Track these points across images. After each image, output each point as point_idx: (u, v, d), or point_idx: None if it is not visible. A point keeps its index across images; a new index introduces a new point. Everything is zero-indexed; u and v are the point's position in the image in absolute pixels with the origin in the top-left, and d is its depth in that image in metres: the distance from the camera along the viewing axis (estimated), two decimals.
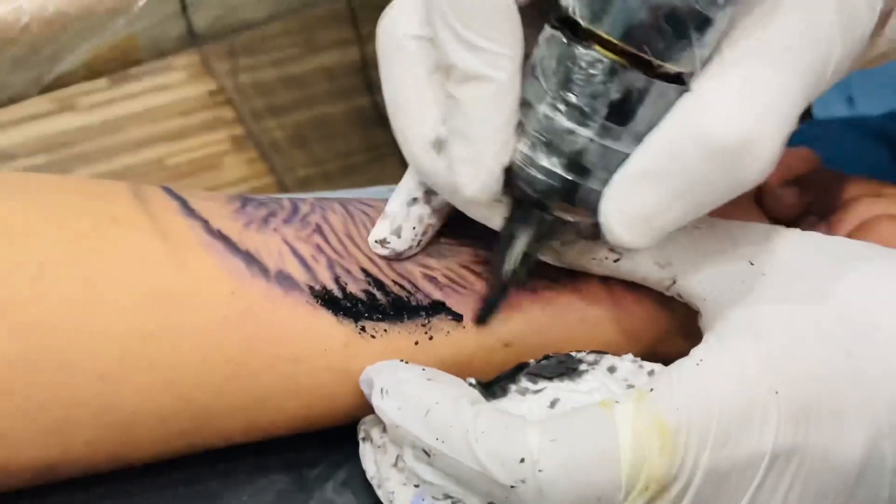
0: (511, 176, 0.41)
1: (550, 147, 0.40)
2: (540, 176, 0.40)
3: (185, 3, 0.75)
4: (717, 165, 0.38)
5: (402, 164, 0.44)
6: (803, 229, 0.51)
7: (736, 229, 0.45)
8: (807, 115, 1.17)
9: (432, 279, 0.45)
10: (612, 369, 0.43)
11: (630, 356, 0.44)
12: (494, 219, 0.43)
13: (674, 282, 0.43)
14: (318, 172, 1.74)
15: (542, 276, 0.46)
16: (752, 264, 0.42)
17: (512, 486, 0.36)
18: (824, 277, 0.42)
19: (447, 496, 0.40)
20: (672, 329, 0.47)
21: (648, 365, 0.43)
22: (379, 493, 0.42)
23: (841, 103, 1.30)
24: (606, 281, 0.46)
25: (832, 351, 0.39)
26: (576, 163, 0.39)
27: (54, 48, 0.72)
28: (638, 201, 0.39)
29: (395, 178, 0.45)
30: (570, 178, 0.40)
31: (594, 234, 0.43)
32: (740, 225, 0.45)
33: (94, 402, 0.40)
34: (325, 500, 0.44)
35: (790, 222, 0.56)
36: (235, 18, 0.78)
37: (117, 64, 0.76)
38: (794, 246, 0.44)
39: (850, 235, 0.54)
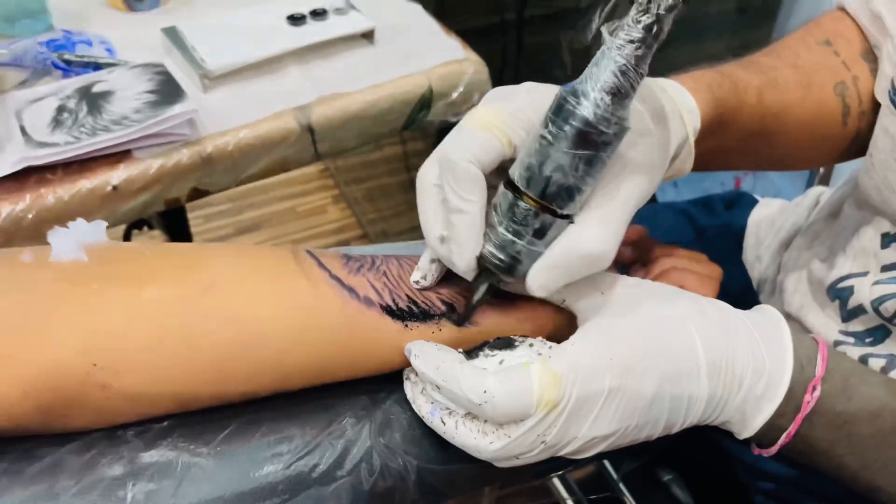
0: (480, 259, 0.40)
1: (503, 249, 0.40)
2: (496, 262, 0.40)
3: (314, 139, 0.75)
4: (583, 262, 0.39)
5: None
6: (632, 273, 0.52)
7: (595, 276, 0.43)
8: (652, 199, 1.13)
9: (441, 299, 0.44)
10: (531, 345, 0.43)
11: (541, 339, 0.44)
12: (470, 277, 0.42)
13: (563, 301, 0.43)
14: (379, 216, 1.70)
15: (497, 298, 0.45)
16: (602, 294, 0.42)
17: (479, 404, 0.37)
18: (636, 302, 0.42)
19: (447, 408, 0.40)
20: (563, 325, 0.46)
21: (550, 343, 0.43)
22: (413, 406, 0.42)
23: (670, 186, 1.31)
24: (530, 298, 0.44)
25: (640, 338, 0.40)
26: (515, 258, 0.40)
27: (245, 162, 0.73)
28: (544, 278, 0.39)
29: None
30: (511, 264, 0.40)
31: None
32: (599, 273, 0.43)
33: (272, 363, 0.40)
34: (386, 409, 0.43)
35: (628, 265, 0.56)
36: (339, 147, 0.78)
37: (278, 169, 0.76)
38: (623, 285, 0.43)
39: (655, 278, 0.53)
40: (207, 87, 0.73)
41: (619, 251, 0.52)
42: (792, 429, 0.40)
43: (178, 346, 0.37)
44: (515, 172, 0.39)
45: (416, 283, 0.43)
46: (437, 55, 0.79)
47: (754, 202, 0.78)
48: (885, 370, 0.52)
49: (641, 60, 0.34)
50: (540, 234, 0.39)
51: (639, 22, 0.33)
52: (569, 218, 0.39)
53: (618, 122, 0.36)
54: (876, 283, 0.53)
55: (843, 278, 0.57)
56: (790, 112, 0.51)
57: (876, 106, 0.53)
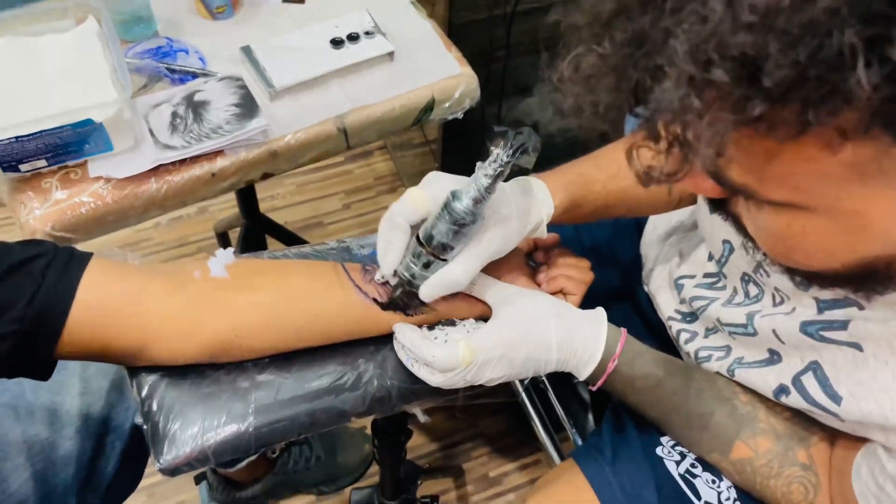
0: (396, 273, 0.58)
1: (408, 270, 0.57)
2: (402, 277, 0.57)
3: (347, 137, 0.93)
4: (449, 286, 0.57)
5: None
6: (539, 272, 0.69)
7: (501, 287, 0.61)
8: None
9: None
10: (464, 326, 0.62)
11: (472, 319, 0.63)
12: (389, 280, 0.59)
13: (479, 293, 0.61)
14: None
15: (448, 296, 0.60)
16: (504, 298, 0.59)
17: (430, 362, 0.57)
18: (521, 305, 0.59)
19: (415, 359, 0.59)
20: (487, 311, 0.62)
21: (477, 324, 0.62)
22: (398, 355, 0.61)
23: None
24: (467, 295, 0.62)
25: (520, 328, 0.58)
26: (414, 276, 0.57)
27: (299, 154, 0.93)
28: (428, 292, 0.57)
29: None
30: (411, 280, 0.57)
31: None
32: (504, 286, 0.61)
33: (322, 332, 0.60)
34: (384, 354, 0.63)
35: (537, 266, 0.71)
36: (364, 141, 0.96)
37: (321, 158, 0.95)
38: (517, 294, 0.60)
39: (549, 278, 0.67)
40: (273, 97, 0.94)
41: (535, 254, 0.72)
42: (601, 380, 0.64)
43: (276, 325, 0.60)
44: (420, 231, 0.56)
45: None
46: (439, 71, 0.99)
47: None
48: (687, 341, 0.77)
49: (492, 187, 0.53)
50: (426, 267, 0.57)
51: (490, 166, 0.53)
52: (446, 261, 0.57)
53: (475, 215, 0.54)
54: (696, 286, 0.76)
55: (682, 277, 0.79)
56: (628, 192, 0.71)
57: None
